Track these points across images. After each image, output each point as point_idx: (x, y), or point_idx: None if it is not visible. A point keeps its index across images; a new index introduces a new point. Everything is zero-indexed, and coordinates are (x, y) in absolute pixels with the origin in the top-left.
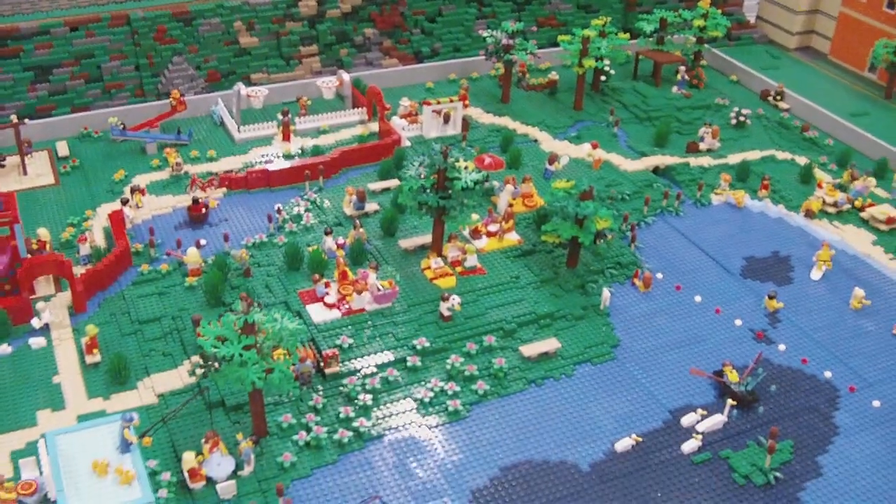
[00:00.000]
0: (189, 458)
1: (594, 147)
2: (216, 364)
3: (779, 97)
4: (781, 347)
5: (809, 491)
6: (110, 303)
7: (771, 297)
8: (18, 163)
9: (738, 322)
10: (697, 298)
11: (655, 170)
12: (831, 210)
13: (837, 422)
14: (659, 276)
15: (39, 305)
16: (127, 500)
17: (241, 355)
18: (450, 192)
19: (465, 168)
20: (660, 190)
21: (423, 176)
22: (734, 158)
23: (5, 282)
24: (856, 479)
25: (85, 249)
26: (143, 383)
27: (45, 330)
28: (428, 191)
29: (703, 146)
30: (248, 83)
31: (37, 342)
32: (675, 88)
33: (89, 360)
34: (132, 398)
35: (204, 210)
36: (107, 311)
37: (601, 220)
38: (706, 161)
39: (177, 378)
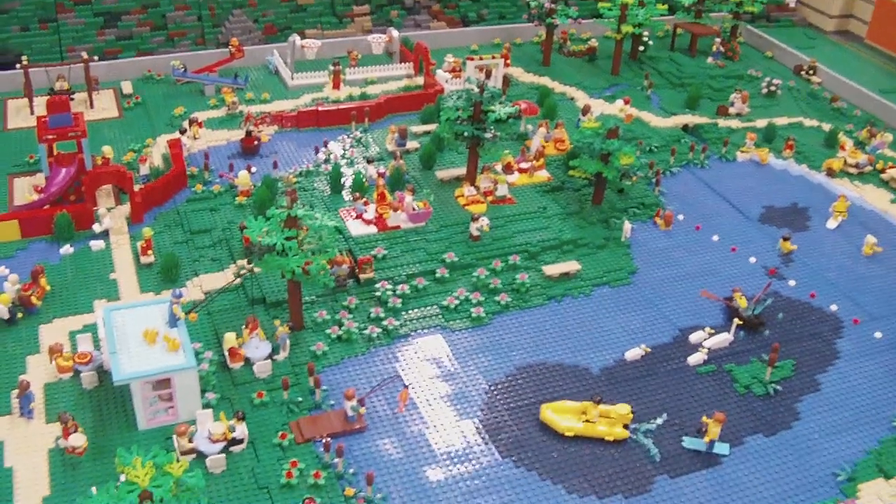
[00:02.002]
0: (230, 338)
1: (626, 103)
2: (261, 255)
3: (811, 72)
4: (791, 283)
5: (806, 403)
6: (165, 216)
7: (785, 239)
8: (86, 98)
9: (753, 259)
10: (715, 238)
11: (685, 128)
12: (853, 171)
13: (839, 348)
14: (680, 217)
15: (100, 212)
16: (173, 364)
17: (282, 245)
18: (485, 123)
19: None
20: (686, 144)
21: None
22: (762, 123)
23: (71, 192)
24: (852, 397)
25: (144, 169)
26: (192, 282)
27: (104, 235)
28: (464, 122)
29: (732, 110)
30: (303, 38)
31: (97, 245)
32: (709, 59)
33: (143, 260)
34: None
35: (256, 143)
36: (161, 223)
37: (625, 156)
38: (735, 123)
39: (223, 279)
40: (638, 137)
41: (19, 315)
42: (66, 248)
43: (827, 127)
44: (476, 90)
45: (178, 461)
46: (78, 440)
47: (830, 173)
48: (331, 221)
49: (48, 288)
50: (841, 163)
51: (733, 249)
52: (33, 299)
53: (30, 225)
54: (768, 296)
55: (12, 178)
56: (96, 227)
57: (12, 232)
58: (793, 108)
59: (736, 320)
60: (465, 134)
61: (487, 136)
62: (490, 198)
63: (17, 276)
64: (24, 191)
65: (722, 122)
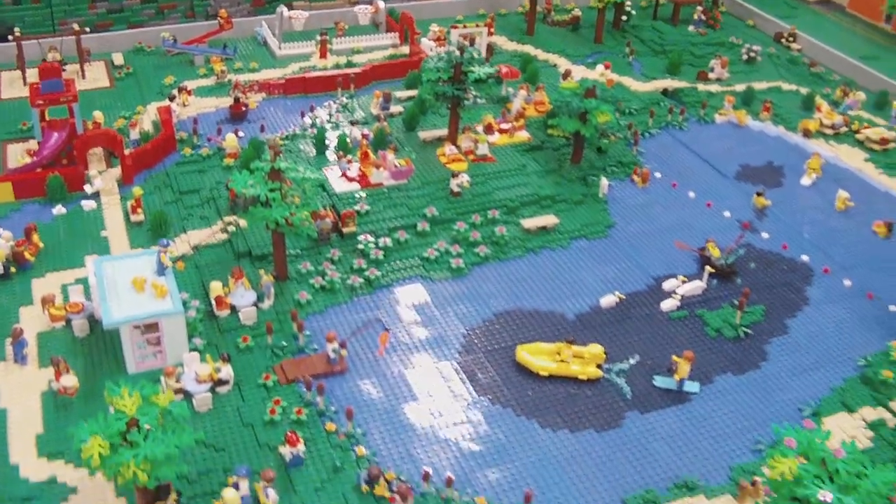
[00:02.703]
0: (216, 287)
1: (607, 67)
2: (245, 206)
3: (791, 38)
4: (765, 235)
5: (775, 345)
6: (155, 178)
7: (759, 195)
8: (78, 69)
9: (727, 214)
10: (691, 194)
11: (664, 91)
12: (829, 132)
13: (808, 295)
14: (657, 175)
15: (92, 174)
16: (160, 309)
17: (266, 196)
18: (465, 84)
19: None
20: (665, 107)
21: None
22: (741, 88)
23: (64, 156)
24: (819, 340)
25: (134, 134)
26: (181, 237)
27: (96, 196)
28: (445, 83)
29: (712, 76)
30: (290, 10)
31: (88, 205)
32: (691, 27)
33: (134, 218)
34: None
35: (244, 109)
36: (151, 185)
37: (602, 114)
38: (714, 88)
39: (210, 234)
40: (618, 100)
41: (13, 270)
42: (59, 209)
43: (805, 91)
44: (457, 52)
45: (163, 393)
46: (69, 381)
47: (807, 134)
48: (313, 174)
49: (41, 245)
50: (817, 124)
51: (708, 205)
52: (26, 255)
53: (23, 187)
54: (741, 246)
55: (6, 144)
56: (88, 189)
57: (6, 194)
58: (772, 73)
59: (708, 268)
60: (446, 94)
61: (467, 97)
62: (471, 156)
63: (10, 234)
64: (18, 155)
65: (702, 87)
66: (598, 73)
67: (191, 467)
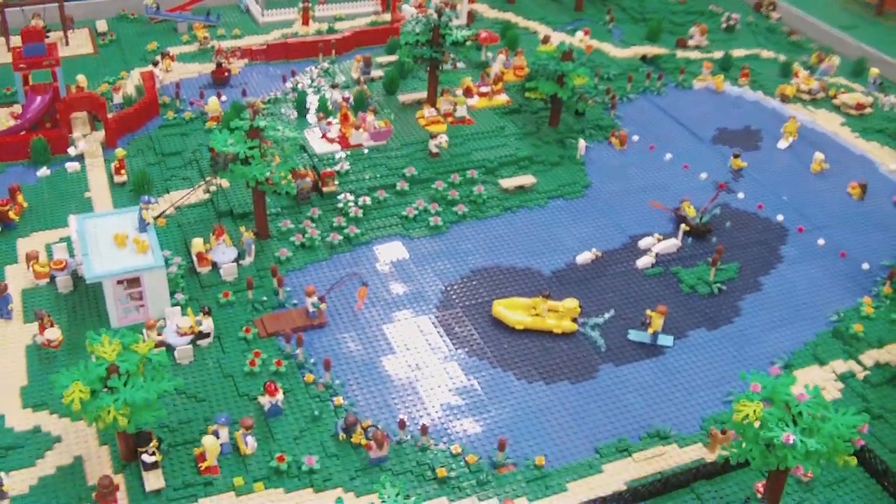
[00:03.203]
0: (197, 244)
1: (586, 33)
2: (225, 164)
3: (771, 7)
4: (740, 195)
5: (748, 301)
6: (138, 142)
7: (736, 157)
8: (62, 35)
9: (704, 175)
10: (668, 156)
11: (643, 58)
12: (806, 97)
13: (783, 253)
14: (635, 138)
15: (76, 136)
16: (142, 263)
17: (246, 154)
18: (442, 46)
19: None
20: (644, 73)
21: (419, 32)
22: (720, 55)
23: (47, 119)
24: (792, 296)
25: (118, 98)
26: (163, 197)
27: (79, 158)
28: (423, 45)
29: (691, 43)
30: None
31: (72, 166)
32: None
33: (117, 179)
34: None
35: (226, 74)
36: (135, 148)
37: (578, 77)
38: (693, 55)
39: (190, 193)
40: (596, 66)
41: None
42: (43, 171)
43: (783, 58)
44: (434, 15)
45: (143, 342)
46: (53, 334)
47: (784, 99)
48: (291, 133)
49: (25, 205)
50: (794, 89)
51: (685, 167)
52: (11, 214)
53: (7, 150)
54: (716, 206)
55: None
56: (71, 151)
57: None
58: (751, 41)
59: (683, 226)
60: (424, 57)
61: (445, 59)
62: (450, 119)
63: None
64: (2, 118)
65: (680, 54)
66: (578, 40)
67: (172, 416)
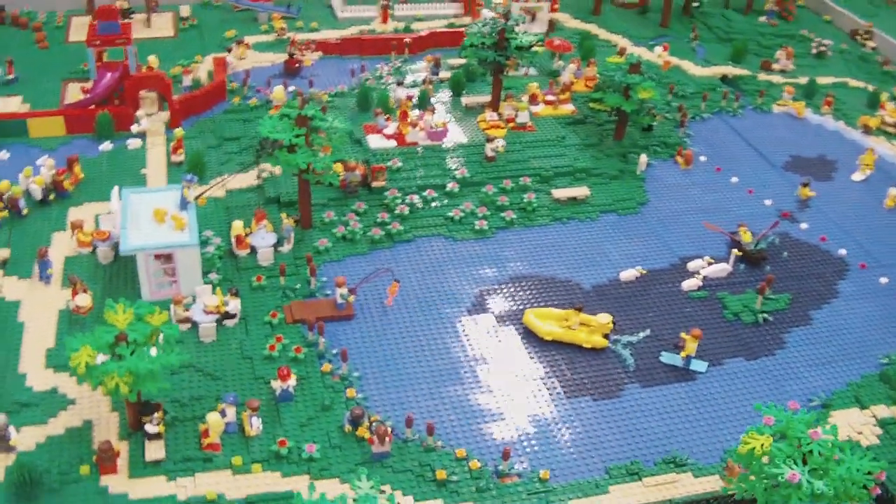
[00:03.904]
0: (237, 226)
1: (664, 49)
2: (271, 149)
3: (867, 36)
4: (803, 226)
5: (794, 335)
6: (202, 124)
7: (805, 185)
8: (145, 17)
9: (768, 202)
10: (734, 179)
11: (723, 78)
12: (891, 129)
13: (840, 289)
14: (702, 158)
15: (140, 114)
16: (176, 240)
17: (291, 141)
18: (507, 50)
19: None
20: (720, 91)
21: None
22: (805, 81)
23: (116, 96)
24: (842, 334)
25: (187, 81)
26: (215, 179)
27: (142, 136)
28: (489, 48)
29: (776, 66)
30: None
31: (133, 143)
32: (762, 18)
33: (174, 158)
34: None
35: (298, 66)
36: (197, 129)
37: (644, 90)
38: (777, 78)
39: (245, 179)
40: (670, 82)
41: (51, 197)
42: (105, 145)
43: (872, 88)
44: (501, 19)
45: (158, 312)
46: (83, 300)
47: (866, 130)
48: (341, 124)
49: (81, 176)
50: (879, 121)
51: (750, 192)
52: (66, 184)
53: (74, 122)
54: (775, 234)
55: (66, 82)
56: (134, 128)
57: (58, 128)
58: (841, 69)
59: (734, 251)
60: (488, 60)
61: (509, 63)
62: (511, 124)
63: (52, 161)
64: (75, 92)
65: (763, 76)
66: (656, 55)
67: (185, 392)
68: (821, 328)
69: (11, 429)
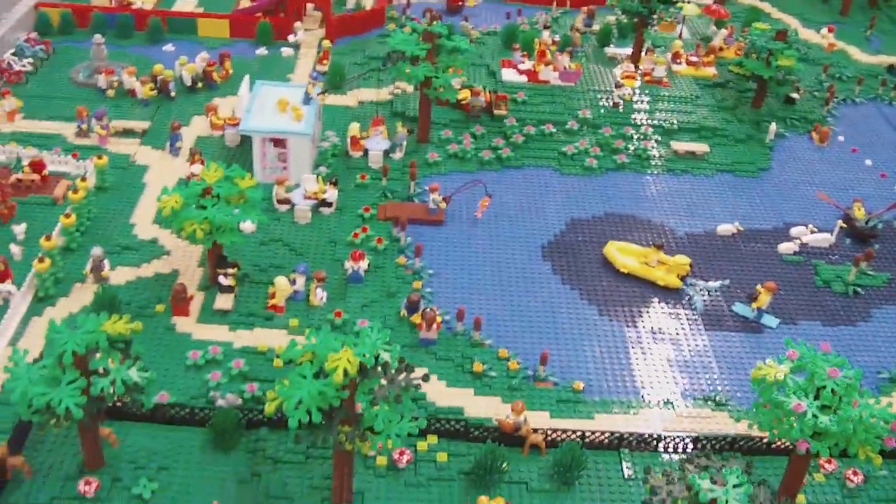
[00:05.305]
0: (354, 128)
1: (830, 31)
2: (395, 61)
3: None
4: None
5: (883, 311)
6: (354, 44)
7: None
8: None
9: None
10: (868, 162)
11: (889, 67)
12: None
13: None
14: (840, 137)
15: (297, 25)
16: (291, 128)
17: (414, 53)
18: (651, 2)
19: None
20: (879, 80)
21: None
22: None
23: (282, 7)
24: None
25: (350, 3)
26: (351, 94)
27: (296, 47)
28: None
29: None
30: None
31: (287, 52)
32: None
33: (319, 68)
34: (339, 100)
35: (461, 3)
36: (349, 47)
37: (784, 58)
38: None
39: (377, 94)
40: (829, 63)
41: (199, 85)
42: (261, 50)
43: None
44: None
45: (249, 177)
46: (198, 169)
47: None
48: (467, 45)
49: (231, 71)
50: None
51: (882, 175)
52: (215, 76)
53: (238, 27)
54: (893, 214)
55: None
56: (290, 37)
57: (222, 30)
58: None
59: (840, 222)
60: (632, 11)
61: (654, 17)
62: (647, 78)
63: (206, 54)
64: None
65: None
66: (821, 36)
67: (267, 260)
68: None
69: (106, 262)
